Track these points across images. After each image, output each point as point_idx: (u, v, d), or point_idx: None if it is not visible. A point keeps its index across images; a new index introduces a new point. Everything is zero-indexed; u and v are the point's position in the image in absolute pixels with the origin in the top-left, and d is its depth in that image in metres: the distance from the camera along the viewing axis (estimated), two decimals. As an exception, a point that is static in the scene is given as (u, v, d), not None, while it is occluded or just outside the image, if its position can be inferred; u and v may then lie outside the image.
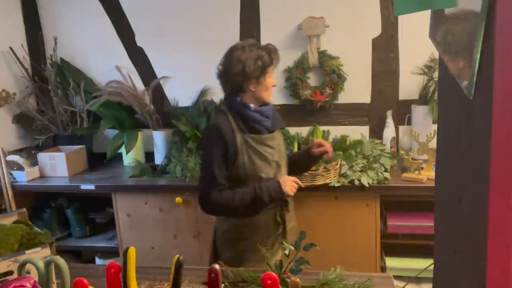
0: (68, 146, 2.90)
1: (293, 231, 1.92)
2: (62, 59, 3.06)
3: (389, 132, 2.64)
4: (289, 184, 1.78)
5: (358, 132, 2.71)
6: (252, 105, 1.82)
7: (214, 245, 1.95)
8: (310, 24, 2.64)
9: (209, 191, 1.78)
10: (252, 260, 1.76)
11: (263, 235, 1.82)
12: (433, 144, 2.24)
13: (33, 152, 2.87)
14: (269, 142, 1.84)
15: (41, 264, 1.11)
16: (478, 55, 0.55)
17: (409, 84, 2.67)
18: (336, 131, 2.73)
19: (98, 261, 2.77)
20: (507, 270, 0.49)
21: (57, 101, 2.98)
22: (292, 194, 1.80)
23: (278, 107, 2.80)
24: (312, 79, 2.76)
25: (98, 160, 2.96)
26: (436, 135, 1.91)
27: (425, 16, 0.96)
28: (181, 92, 2.98)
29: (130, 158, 2.87)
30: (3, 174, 2.42)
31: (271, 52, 1.81)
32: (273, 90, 2.81)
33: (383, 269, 2.37)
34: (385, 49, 2.68)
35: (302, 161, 2.03)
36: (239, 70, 1.76)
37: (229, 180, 1.79)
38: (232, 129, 1.78)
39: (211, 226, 2.04)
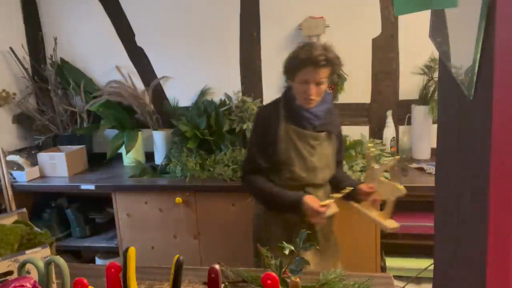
0: (68, 146, 2.91)
1: (325, 234, 1.91)
2: (62, 59, 3.06)
3: (389, 132, 2.64)
4: (311, 214, 1.71)
5: (358, 132, 2.71)
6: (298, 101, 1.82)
7: (254, 229, 1.99)
8: (310, 24, 2.64)
9: (246, 170, 1.89)
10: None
11: (289, 227, 1.80)
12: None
13: (33, 152, 2.87)
14: (309, 140, 1.82)
15: (41, 264, 1.11)
16: (478, 55, 0.55)
17: (409, 84, 2.67)
18: (336, 131, 2.73)
19: (98, 261, 2.77)
20: (507, 270, 0.49)
21: (57, 101, 2.98)
22: (316, 222, 1.74)
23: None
24: (312, 79, 2.76)
25: (98, 160, 2.96)
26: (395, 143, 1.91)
27: (425, 16, 0.96)
28: (181, 92, 2.98)
29: (130, 158, 2.87)
30: (3, 174, 2.41)
31: (307, 56, 1.70)
32: (274, 91, 2.86)
33: (383, 269, 2.37)
34: (385, 49, 2.68)
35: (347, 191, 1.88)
36: (284, 64, 1.80)
37: (269, 162, 1.84)
38: (278, 116, 1.82)
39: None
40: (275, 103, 1.89)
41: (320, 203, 1.71)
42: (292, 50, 1.79)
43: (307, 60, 1.69)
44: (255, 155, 1.86)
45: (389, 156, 2.44)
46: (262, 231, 1.92)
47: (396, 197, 1.72)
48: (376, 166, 1.81)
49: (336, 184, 1.94)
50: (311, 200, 1.72)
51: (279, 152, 1.81)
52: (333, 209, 1.76)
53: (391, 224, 1.73)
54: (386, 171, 2.22)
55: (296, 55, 1.73)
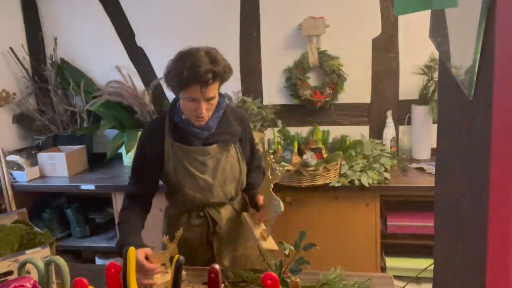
0: (68, 146, 2.90)
1: (240, 259, 1.70)
2: (62, 59, 3.06)
3: (389, 132, 2.64)
4: (139, 268, 1.37)
5: (358, 132, 2.71)
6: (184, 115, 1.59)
7: None
8: (310, 24, 2.64)
9: (124, 200, 1.67)
10: None
11: (190, 253, 1.58)
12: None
13: (33, 152, 2.87)
14: (197, 156, 1.61)
15: (41, 264, 1.11)
16: (478, 55, 0.55)
17: (409, 84, 2.67)
18: (336, 131, 2.72)
19: (98, 261, 2.77)
20: (507, 270, 0.49)
21: (57, 101, 2.98)
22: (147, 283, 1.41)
23: (279, 107, 2.81)
24: (312, 79, 2.76)
25: (98, 160, 2.96)
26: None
27: (425, 16, 0.96)
28: (181, 92, 2.97)
29: (130, 158, 2.87)
30: (3, 174, 2.41)
31: (192, 75, 1.47)
32: (274, 91, 2.87)
33: (383, 269, 2.37)
34: (385, 49, 2.68)
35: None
36: (165, 76, 1.57)
37: (150, 188, 1.67)
38: (164, 133, 1.63)
39: None
40: (161, 118, 1.68)
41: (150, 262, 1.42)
42: (173, 59, 1.57)
43: (193, 79, 1.47)
44: (132, 182, 1.67)
45: (389, 156, 2.44)
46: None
47: (277, 215, 1.51)
48: (270, 176, 1.54)
49: (246, 194, 1.76)
50: (140, 255, 1.42)
51: (168, 173, 1.62)
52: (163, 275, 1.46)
53: (269, 244, 1.51)
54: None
55: (180, 72, 1.48)
